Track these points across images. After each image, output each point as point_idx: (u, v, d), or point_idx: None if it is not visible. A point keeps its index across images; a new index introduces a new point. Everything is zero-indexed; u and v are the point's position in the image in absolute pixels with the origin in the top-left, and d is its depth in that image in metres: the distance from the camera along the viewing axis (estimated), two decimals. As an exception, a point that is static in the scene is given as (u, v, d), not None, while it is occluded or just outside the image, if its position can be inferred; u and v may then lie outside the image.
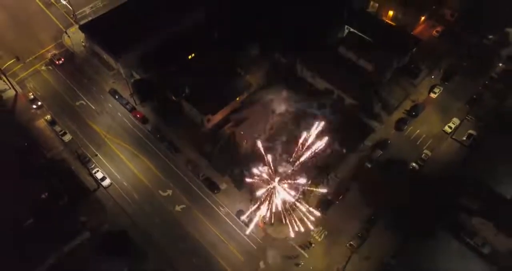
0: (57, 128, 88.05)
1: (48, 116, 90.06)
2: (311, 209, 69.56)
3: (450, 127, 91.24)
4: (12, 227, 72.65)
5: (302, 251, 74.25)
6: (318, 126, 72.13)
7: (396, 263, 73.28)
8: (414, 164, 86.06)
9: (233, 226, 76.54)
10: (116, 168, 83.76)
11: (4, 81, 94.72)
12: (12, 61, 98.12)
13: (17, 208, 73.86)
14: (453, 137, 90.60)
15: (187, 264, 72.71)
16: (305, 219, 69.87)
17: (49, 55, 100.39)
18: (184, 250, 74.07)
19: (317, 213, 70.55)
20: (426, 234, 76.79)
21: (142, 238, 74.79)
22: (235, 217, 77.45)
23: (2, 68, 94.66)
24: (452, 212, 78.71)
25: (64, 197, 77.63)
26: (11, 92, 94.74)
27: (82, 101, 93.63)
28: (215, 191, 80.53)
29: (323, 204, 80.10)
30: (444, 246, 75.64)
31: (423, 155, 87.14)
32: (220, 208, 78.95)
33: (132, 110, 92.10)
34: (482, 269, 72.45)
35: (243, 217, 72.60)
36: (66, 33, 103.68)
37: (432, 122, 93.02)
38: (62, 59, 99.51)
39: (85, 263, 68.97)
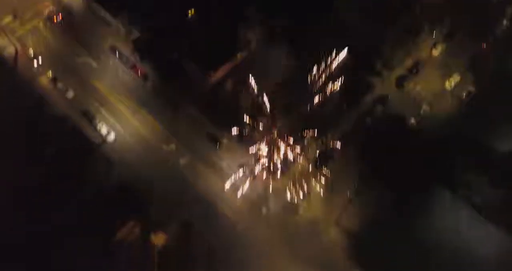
0: (60, 85, 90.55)
1: (50, 74, 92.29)
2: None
3: (450, 84, 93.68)
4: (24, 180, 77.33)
5: (301, 201, 79.00)
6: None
7: (391, 212, 78.07)
8: (412, 120, 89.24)
9: (235, 178, 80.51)
10: (120, 123, 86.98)
11: (3, 38, 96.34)
12: (9, 19, 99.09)
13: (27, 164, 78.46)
14: (453, 94, 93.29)
15: (191, 213, 77.39)
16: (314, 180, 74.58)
17: (46, 11, 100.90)
18: (188, 200, 78.49)
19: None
20: (422, 186, 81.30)
21: (147, 190, 79.14)
22: (237, 169, 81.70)
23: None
24: (448, 165, 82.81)
25: (71, 151, 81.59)
26: (11, 49, 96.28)
27: (82, 58, 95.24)
28: (217, 146, 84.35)
29: (322, 158, 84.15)
30: (438, 197, 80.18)
31: (422, 111, 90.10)
32: (223, 161, 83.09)
33: (133, 67, 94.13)
34: (471, 217, 77.24)
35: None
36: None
37: (433, 79, 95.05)
38: (60, 16, 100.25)
39: (94, 214, 73.59)
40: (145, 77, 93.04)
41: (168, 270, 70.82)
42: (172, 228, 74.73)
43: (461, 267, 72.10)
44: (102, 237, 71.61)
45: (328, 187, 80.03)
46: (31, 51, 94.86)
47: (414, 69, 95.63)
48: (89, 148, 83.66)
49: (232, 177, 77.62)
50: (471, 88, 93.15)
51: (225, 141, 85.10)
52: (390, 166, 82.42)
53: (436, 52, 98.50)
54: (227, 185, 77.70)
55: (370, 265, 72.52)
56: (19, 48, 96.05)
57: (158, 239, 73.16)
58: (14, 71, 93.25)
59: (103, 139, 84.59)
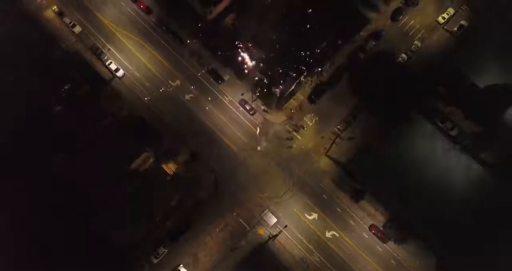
0: (67, 20, 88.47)
1: (55, 7, 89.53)
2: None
3: (444, 18, 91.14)
4: (43, 113, 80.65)
5: (295, 134, 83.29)
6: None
7: (375, 142, 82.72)
8: (403, 55, 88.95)
9: (237, 112, 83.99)
10: (127, 59, 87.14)
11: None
12: None
13: (45, 97, 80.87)
14: (445, 28, 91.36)
15: (197, 143, 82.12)
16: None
17: None
18: (195, 132, 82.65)
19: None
20: (405, 117, 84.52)
21: (156, 122, 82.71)
22: (238, 105, 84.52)
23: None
24: (430, 99, 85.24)
25: (84, 86, 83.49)
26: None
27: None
28: (219, 82, 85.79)
29: (317, 92, 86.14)
30: (419, 128, 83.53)
31: (413, 46, 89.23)
32: (225, 96, 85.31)
33: (136, 0, 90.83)
34: (447, 147, 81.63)
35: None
36: None
37: (427, 13, 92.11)
38: None
39: (110, 145, 78.26)
40: (148, 11, 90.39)
41: (178, 193, 77.54)
42: (181, 158, 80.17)
43: (436, 191, 78.19)
44: (119, 166, 76.96)
45: (320, 120, 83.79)
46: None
47: (413, 2, 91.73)
48: (101, 82, 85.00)
49: (235, 111, 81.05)
50: (464, 22, 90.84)
51: (227, 77, 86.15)
52: (378, 98, 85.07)
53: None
54: (232, 118, 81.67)
55: (354, 189, 79.73)
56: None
57: (170, 168, 79.12)
58: (20, 4, 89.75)
59: (113, 74, 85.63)
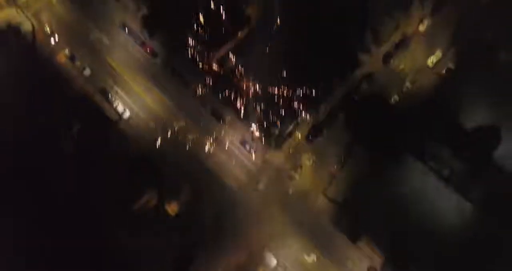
0: (78, 63, 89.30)
1: (67, 51, 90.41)
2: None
3: (432, 62, 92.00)
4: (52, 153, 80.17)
5: (294, 173, 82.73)
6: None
7: (368, 181, 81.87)
8: (395, 96, 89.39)
9: (237, 152, 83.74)
10: (134, 100, 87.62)
11: (19, 14, 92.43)
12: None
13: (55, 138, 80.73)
14: (434, 71, 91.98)
15: (199, 182, 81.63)
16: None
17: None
18: (196, 171, 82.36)
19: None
20: (398, 157, 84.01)
21: (160, 162, 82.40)
22: (239, 145, 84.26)
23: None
24: (421, 139, 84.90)
25: (93, 127, 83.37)
26: (28, 25, 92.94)
27: (95, 35, 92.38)
28: (221, 122, 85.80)
29: (313, 132, 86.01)
30: (410, 167, 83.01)
31: (404, 88, 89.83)
32: (225, 136, 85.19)
33: (142, 44, 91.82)
34: (438, 187, 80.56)
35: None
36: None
37: (417, 56, 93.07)
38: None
39: (114, 185, 77.63)
40: (154, 54, 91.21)
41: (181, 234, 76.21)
42: (183, 197, 79.24)
43: (427, 234, 76.44)
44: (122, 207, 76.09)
45: (317, 160, 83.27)
46: (47, 28, 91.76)
47: (403, 45, 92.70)
48: (108, 124, 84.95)
49: (236, 151, 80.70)
50: (451, 65, 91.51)
51: (227, 117, 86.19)
52: (373, 138, 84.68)
53: (422, 28, 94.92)
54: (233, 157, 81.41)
55: (351, 230, 78.45)
56: (35, 24, 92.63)
57: (172, 208, 78.05)
58: (34, 48, 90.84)
59: (120, 116, 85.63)
